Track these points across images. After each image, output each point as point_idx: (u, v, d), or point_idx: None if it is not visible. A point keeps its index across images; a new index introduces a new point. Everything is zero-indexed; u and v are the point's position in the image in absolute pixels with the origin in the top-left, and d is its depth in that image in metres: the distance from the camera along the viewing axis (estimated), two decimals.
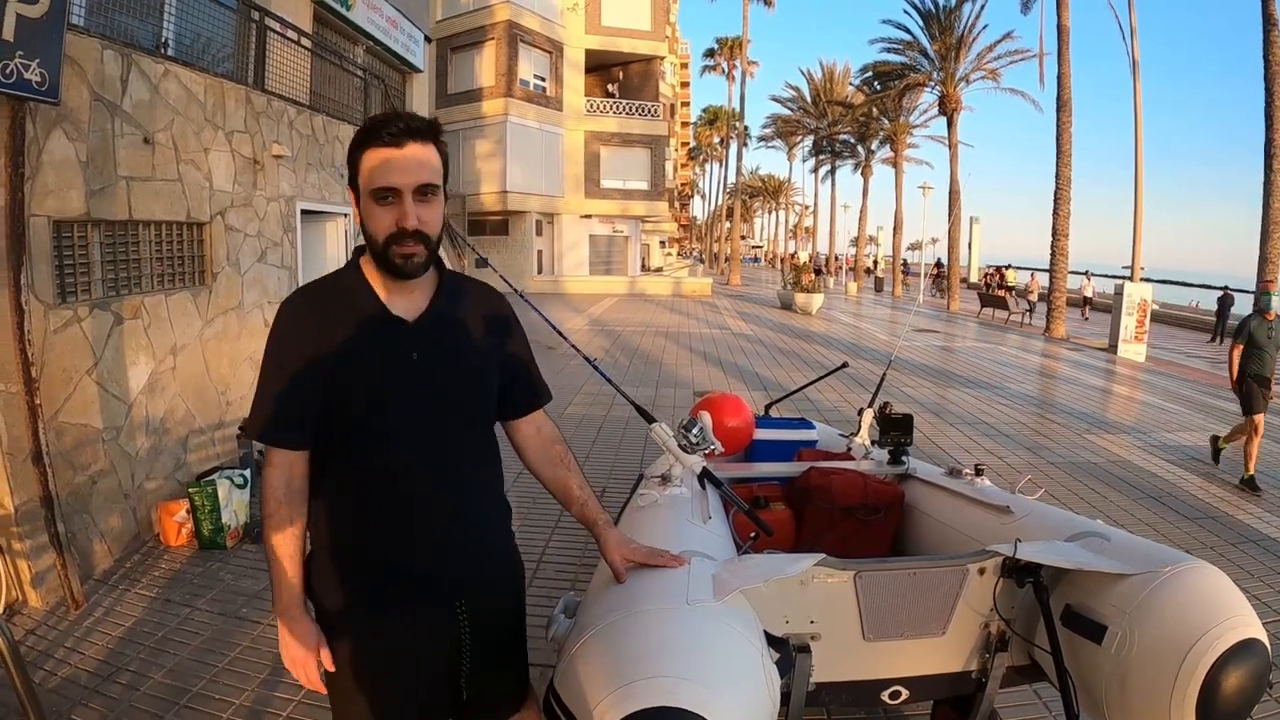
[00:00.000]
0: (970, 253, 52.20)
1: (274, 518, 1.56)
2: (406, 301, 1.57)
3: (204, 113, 5.21)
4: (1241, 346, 6.60)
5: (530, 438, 1.81)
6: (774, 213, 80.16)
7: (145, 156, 4.65)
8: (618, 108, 28.74)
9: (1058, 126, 19.83)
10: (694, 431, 2.56)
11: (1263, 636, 1.84)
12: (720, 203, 37.07)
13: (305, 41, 7.33)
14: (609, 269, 30.11)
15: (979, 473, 2.83)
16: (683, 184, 74.39)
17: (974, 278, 38.76)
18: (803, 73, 59.10)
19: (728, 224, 46.09)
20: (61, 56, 3.65)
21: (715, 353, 13.39)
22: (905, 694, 2.21)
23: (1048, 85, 28.89)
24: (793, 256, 43.88)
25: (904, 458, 3.13)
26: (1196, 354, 19.20)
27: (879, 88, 34.04)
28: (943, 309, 27.80)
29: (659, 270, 39.28)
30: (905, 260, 61.56)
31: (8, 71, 3.36)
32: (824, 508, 2.87)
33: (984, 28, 27.61)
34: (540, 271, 27.89)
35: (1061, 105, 19.72)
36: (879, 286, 41.38)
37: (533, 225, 27.17)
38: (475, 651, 1.70)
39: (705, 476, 2.49)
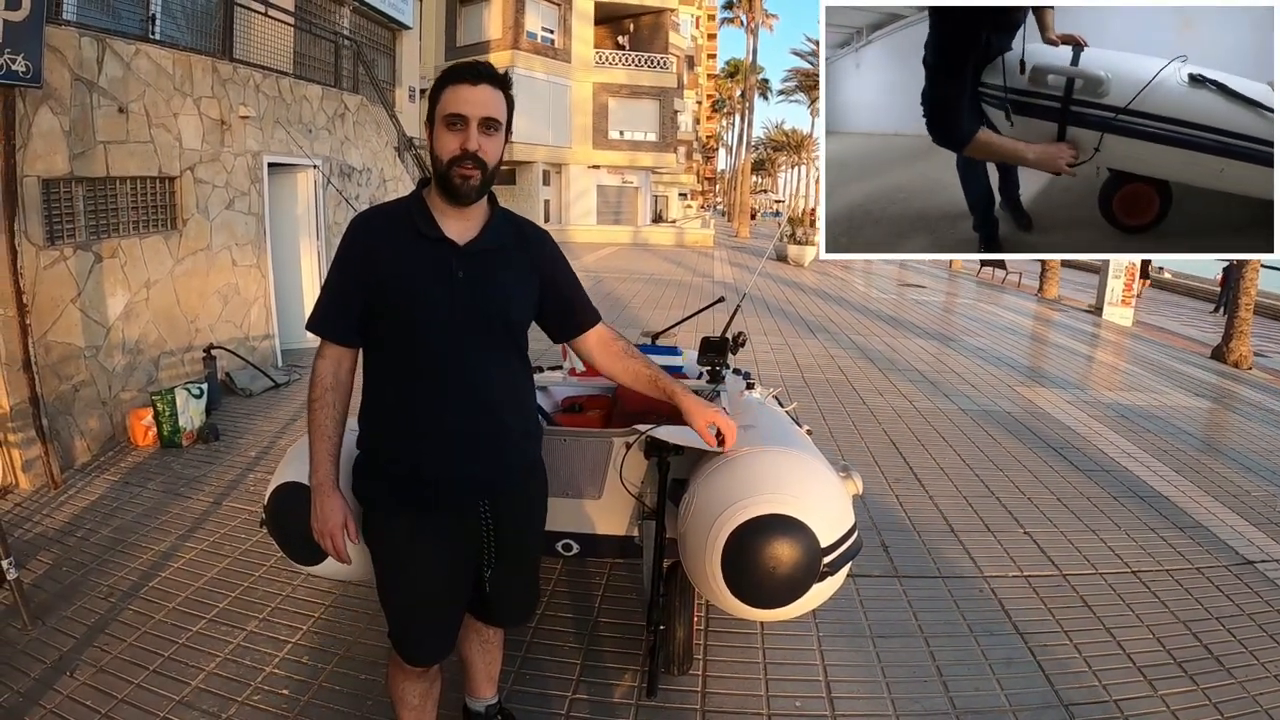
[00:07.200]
0: None
1: (319, 401, 1.80)
2: (461, 227, 1.78)
3: (173, 83, 6.10)
4: None
5: (594, 347, 2.06)
6: (797, 167, 79.75)
7: (120, 123, 5.58)
8: (627, 60, 29.24)
9: None
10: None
11: (805, 518, 1.92)
12: (744, 157, 37.35)
13: (273, 13, 8.18)
14: (618, 219, 30.90)
15: (750, 386, 3.32)
16: (708, 136, 74.06)
17: None
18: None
19: (754, 178, 46.25)
20: (43, 49, 4.55)
21: (683, 299, 13.92)
22: (576, 548, 2.65)
23: None
24: (812, 211, 44.06)
25: (722, 375, 3.43)
26: (1194, 323, 18.94)
27: None
28: (945, 267, 28.11)
29: (672, 222, 39.88)
30: None
31: None
32: (619, 414, 3.53)
33: None
34: (547, 220, 28.74)
35: None
36: None
37: (539, 175, 28.02)
38: (495, 551, 1.92)
39: None
